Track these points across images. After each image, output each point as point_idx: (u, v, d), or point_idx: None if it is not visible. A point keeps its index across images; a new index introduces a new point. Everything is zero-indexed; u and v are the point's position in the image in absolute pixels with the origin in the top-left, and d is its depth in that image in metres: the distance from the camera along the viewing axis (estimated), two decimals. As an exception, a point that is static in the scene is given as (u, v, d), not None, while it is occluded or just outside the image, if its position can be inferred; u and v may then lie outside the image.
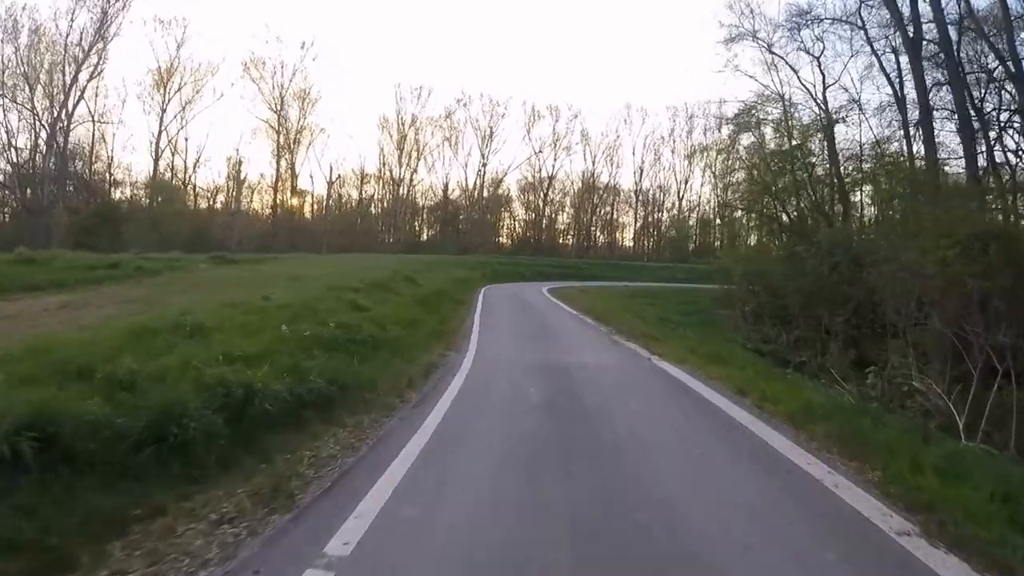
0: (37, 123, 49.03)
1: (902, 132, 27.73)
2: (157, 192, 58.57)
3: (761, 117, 33.39)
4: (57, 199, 48.55)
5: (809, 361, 23.47)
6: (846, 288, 21.90)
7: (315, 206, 71.60)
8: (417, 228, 78.24)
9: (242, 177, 63.94)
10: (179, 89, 59.63)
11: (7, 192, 49.69)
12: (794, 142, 31.40)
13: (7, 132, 48.87)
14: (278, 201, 66.40)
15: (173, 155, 60.69)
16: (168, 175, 61.28)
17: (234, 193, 64.61)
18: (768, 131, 34.37)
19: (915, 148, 26.71)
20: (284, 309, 10.38)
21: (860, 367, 22.25)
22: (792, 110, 32.76)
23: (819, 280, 23.40)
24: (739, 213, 62.40)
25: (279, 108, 63.53)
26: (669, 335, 16.06)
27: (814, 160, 31.72)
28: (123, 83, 70.27)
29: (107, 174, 58.36)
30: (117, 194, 58.63)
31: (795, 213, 32.35)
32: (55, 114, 49.02)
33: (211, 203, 63.98)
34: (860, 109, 31.20)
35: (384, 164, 72.93)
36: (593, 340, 15.12)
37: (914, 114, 26.18)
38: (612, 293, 35.85)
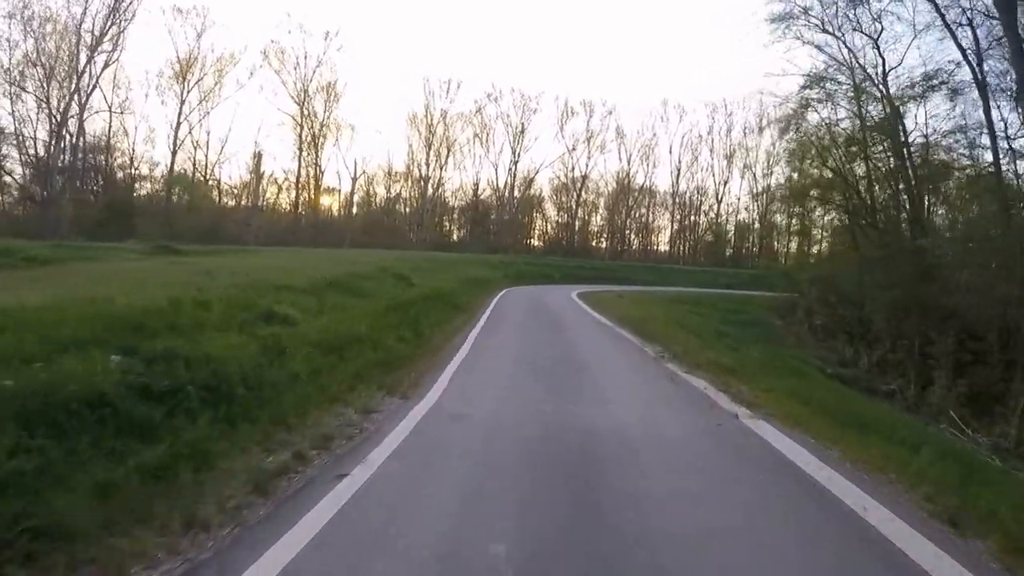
0: (48, 112, 46.15)
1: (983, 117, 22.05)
2: (172, 186, 55.27)
3: (830, 89, 27.45)
4: (65, 191, 45.47)
5: (900, 392, 18.49)
6: (959, 298, 16.89)
7: (341, 203, 68.04)
8: (447, 228, 74.29)
9: (262, 171, 60.31)
10: (199, 80, 56.32)
11: (18, 183, 46.93)
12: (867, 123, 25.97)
13: (16, 120, 46.18)
14: (302, 197, 62.97)
15: (195, 149, 57.50)
16: (190, 169, 58.15)
17: (253, 188, 61.00)
18: (839, 111, 28.56)
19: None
20: (99, 318, 5.89)
21: (974, 403, 17.22)
22: (859, 90, 27.30)
23: (917, 287, 18.37)
24: (779, 217, 57.66)
25: (303, 101, 59.94)
26: (741, 362, 11.24)
27: (883, 148, 26.35)
28: (146, 75, 66.91)
29: (129, 167, 55.57)
30: (140, 188, 55.80)
31: (873, 208, 26.88)
32: (65, 102, 46.02)
33: (237, 199, 60.71)
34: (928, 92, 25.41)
35: (412, 160, 69.01)
36: (639, 371, 10.12)
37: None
38: (651, 298, 30.78)
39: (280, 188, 62.42)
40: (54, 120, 46.10)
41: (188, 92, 56.07)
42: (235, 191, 60.71)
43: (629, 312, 20.50)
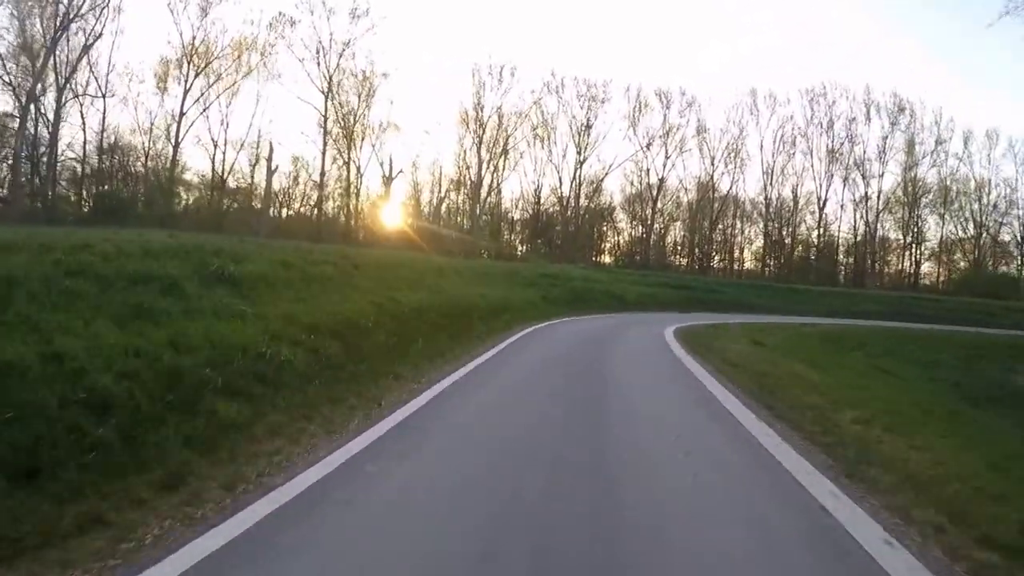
0: (16, 95, 36.06)
1: None
2: (168, 183, 43.66)
3: None
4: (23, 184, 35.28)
5: None
6: None
7: (377, 206, 55.17)
8: (509, 239, 61.08)
9: (274, 168, 47.83)
10: (205, 67, 44.98)
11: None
12: None
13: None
14: (331, 199, 50.97)
15: (215, 146, 46.44)
16: (198, 165, 47.08)
17: (264, 188, 48.72)
18: None
19: None
20: None
21: None
22: None
23: None
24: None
25: (328, 92, 47.70)
26: None
27: None
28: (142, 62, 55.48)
29: (125, 161, 44.86)
30: (134, 184, 44.86)
31: None
32: (31, 83, 35.66)
33: (246, 198, 48.85)
34: None
35: (464, 163, 56.01)
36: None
37: None
38: (806, 337, 16.70)
39: (306, 188, 50.53)
40: (17, 102, 35.82)
41: (192, 81, 44.93)
42: (250, 189, 48.83)
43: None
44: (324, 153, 47.79)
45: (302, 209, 50.71)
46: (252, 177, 47.89)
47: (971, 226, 52.72)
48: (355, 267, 11.97)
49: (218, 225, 37.87)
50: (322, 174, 48.64)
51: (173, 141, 43.91)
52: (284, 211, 50.92)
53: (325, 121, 46.42)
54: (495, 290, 17.10)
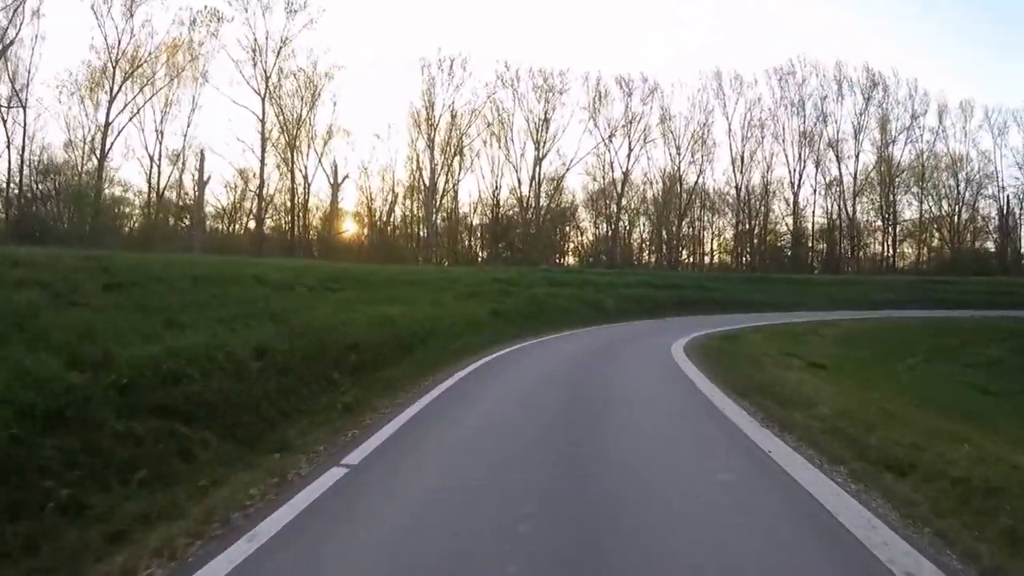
0: None
1: None
2: (77, 200, 36.74)
3: None
4: None
5: None
6: None
7: (323, 216, 48.83)
8: (468, 246, 55.16)
9: (207, 179, 41.36)
10: (132, 72, 38.61)
11: None
12: None
13: None
14: (267, 210, 44.37)
15: (151, 159, 39.76)
16: (133, 180, 40.37)
17: (197, 200, 42.08)
18: None
19: None
20: None
21: None
22: None
23: None
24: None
25: (266, 94, 41.59)
26: None
27: None
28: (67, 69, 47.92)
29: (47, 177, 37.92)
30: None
31: None
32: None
33: (176, 213, 42.14)
34: None
35: (416, 165, 49.89)
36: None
37: None
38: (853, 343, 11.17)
39: (237, 200, 43.87)
40: None
41: (119, 87, 38.39)
42: (183, 203, 42.04)
43: None
44: (263, 161, 41.38)
45: (250, 223, 44.16)
46: (195, 191, 41.28)
47: (946, 204, 48.71)
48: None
49: (145, 243, 31.37)
50: (261, 183, 42.12)
51: (98, 153, 37.38)
52: (233, 226, 44.26)
53: (263, 126, 40.10)
54: (418, 306, 11.19)
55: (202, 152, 39.29)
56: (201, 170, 39.32)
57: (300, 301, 8.71)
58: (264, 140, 41.20)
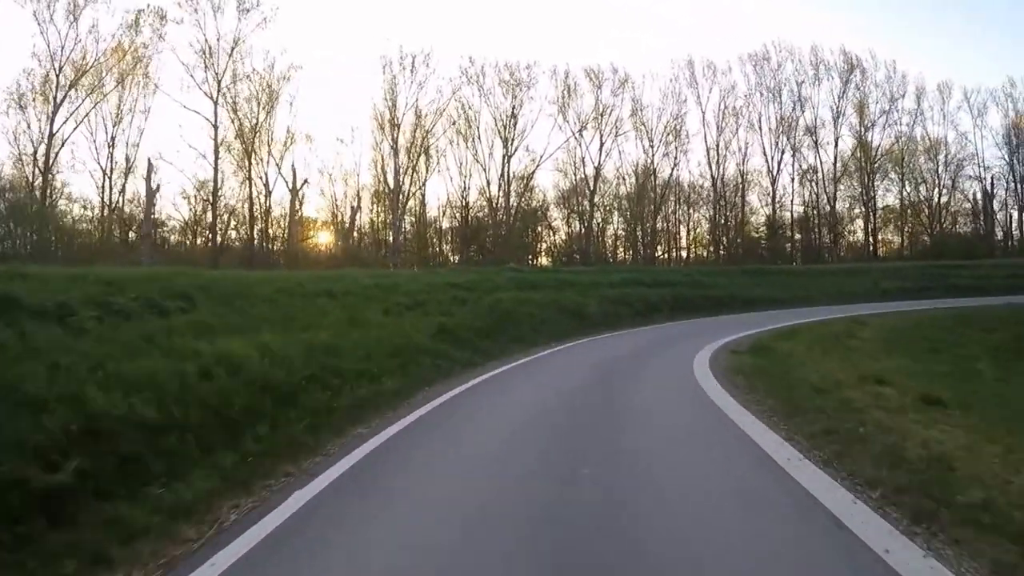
0: None
1: None
2: (15, 215, 32.08)
3: None
4: None
5: None
6: None
7: (281, 224, 44.38)
8: (438, 250, 51.23)
9: (155, 187, 36.86)
10: (79, 79, 33.80)
11: None
12: None
13: None
14: (223, 219, 39.75)
15: (104, 171, 35.09)
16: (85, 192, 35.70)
17: (147, 212, 37.46)
18: None
19: None
20: None
21: None
22: None
23: None
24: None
25: (219, 99, 37.00)
26: None
27: None
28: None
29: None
30: None
31: None
32: None
33: (124, 227, 37.54)
34: None
35: (380, 168, 45.74)
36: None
37: None
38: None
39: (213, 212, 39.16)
40: None
41: (63, 95, 33.69)
42: (127, 215, 37.42)
43: None
44: (217, 168, 36.99)
45: (209, 233, 39.57)
46: (145, 202, 36.66)
47: (923, 189, 46.21)
48: None
49: (90, 258, 26.97)
50: (215, 193, 37.59)
51: (41, 166, 32.82)
52: (194, 239, 39.61)
53: (216, 132, 35.70)
54: (319, 330, 7.24)
55: (150, 161, 34.70)
56: (149, 180, 34.68)
57: (90, 341, 4.83)
58: (217, 147, 36.75)
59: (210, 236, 38.47)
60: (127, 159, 36.96)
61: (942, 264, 27.87)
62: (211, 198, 37.53)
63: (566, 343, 11.24)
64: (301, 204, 43.76)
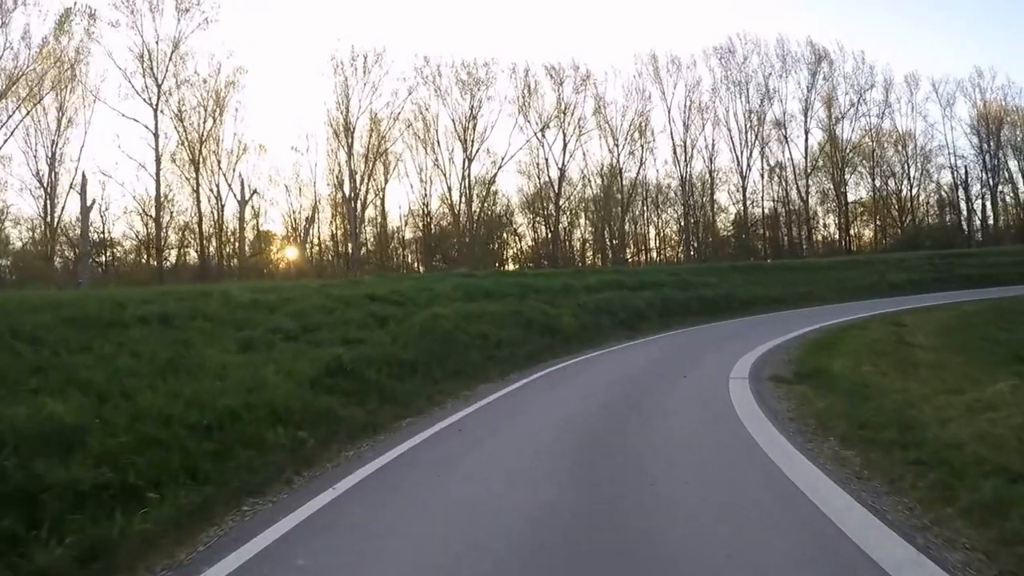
0: None
1: None
2: None
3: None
4: None
5: None
6: None
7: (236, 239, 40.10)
8: (403, 260, 47.58)
9: (90, 204, 32.54)
10: (7, 90, 29.02)
11: None
12: None
13: None
14: (167, 234, 35.35)
15: (44, 187, 30.41)
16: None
17: (82, 228, 33.01)
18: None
19: None
20: None
21: None
22: None
23: None
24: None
25: (158, 104, 32.75)
26: None
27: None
28: None
29: None
30: None
31: None
32: None
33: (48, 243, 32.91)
34: None
35: (335, 176, 41.95)
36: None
37: None
38: None
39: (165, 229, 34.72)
40: None
41: None
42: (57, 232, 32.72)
43: None
44: (159, 181, 32.71)
45: (153, 251, 35.21)
46: (80, 220, 32.14)
47: (893, 181, 44.42)
48: None
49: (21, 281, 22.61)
50: (157, 206, 33.23)
51: None
52: (146, 258, 35.15)
53: (157, 142, 31.51)
54: (86, 391, 3.84)
55: (84, 176, 30.58)
56: (84, 196, 30.42)
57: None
58: (159, 158, 32.49)
59: (154, 253, 34.23)
60: (65, 173, 32.47)
61: (948, 253, 25.22)
62: (154, 213, 33.32)
63: (532, 373, 7.78)
64: (258, 216, 40.07)
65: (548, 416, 5.61)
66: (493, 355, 8.12)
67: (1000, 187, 42.68)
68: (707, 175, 45.60)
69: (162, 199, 32.78)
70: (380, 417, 5.45)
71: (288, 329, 7.10)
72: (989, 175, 42.77)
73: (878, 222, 46.20)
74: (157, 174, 32.17)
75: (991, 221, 43.74)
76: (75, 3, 30.27)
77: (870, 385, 6.03)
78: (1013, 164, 42.00)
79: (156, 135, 31.80)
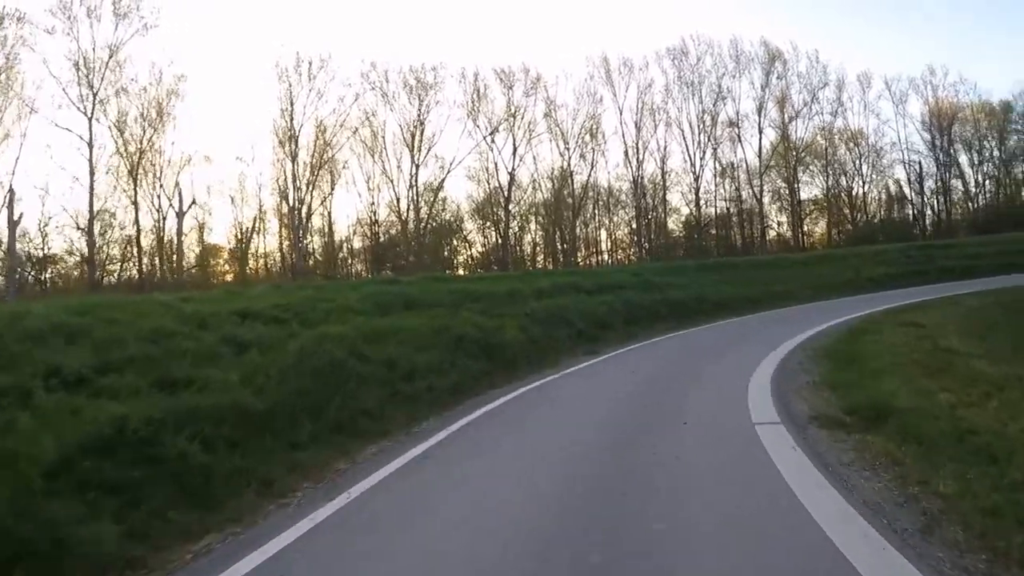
0: None
1: None
2: None
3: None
4: None
5: None
6: None
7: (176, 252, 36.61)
8: (357, 270, 44.68)
9: (18, 219, 29.03)
10: None
11: None
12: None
13: None
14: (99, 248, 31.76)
15: None
16: None
17: (8, 245, 29.44)
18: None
19: None
20: None
21: None
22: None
23: None
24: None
25: (94, 115, 29.15)
26: None
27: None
28: None
29: None
30: None
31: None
32: None
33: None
34: None
35: (279, 185, 38.83)
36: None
37: None
38: None
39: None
40: None
41: None
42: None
43: None
44: (92, 193, 29.29)
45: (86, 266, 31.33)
46: (13, 235, 28.17)
47: (844, 179, 44.17)
48: None
49: None
50: (90, 220, 29.67)
51: None
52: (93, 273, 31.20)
53: (91, 152, 28.11)
54: None
55: (11, 189, 27.25)
56: (11, 210, 26.88)
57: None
58: (93, 169, 29.10)
59: (86, 268, 30.51)
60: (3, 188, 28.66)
61: (926, 244, 23.94)
62: (87, 226, 29.65)
63: (453, 419, 5.18)
64: (203, 229, 36.69)
65: (455, 538, 3.02)
66: (399, 391, 5.54)
67: (952, 181, 42.92)
68: (659, 177, 44.39)
69: (95, 212, 29.60)
70: (149, 539, 2.84)
71: (72, 370, 4.35)
72: (942, 170, 43.06)
73: (829, 219, 45.98)
74: (91, 187, 28.87)
75: (943, 215, 43.80)
76: (4, 6, 26.56)
77: (978, 429, 3.75)
78: (964, 159, 42.30)
79: (91, 145, 28.43)
